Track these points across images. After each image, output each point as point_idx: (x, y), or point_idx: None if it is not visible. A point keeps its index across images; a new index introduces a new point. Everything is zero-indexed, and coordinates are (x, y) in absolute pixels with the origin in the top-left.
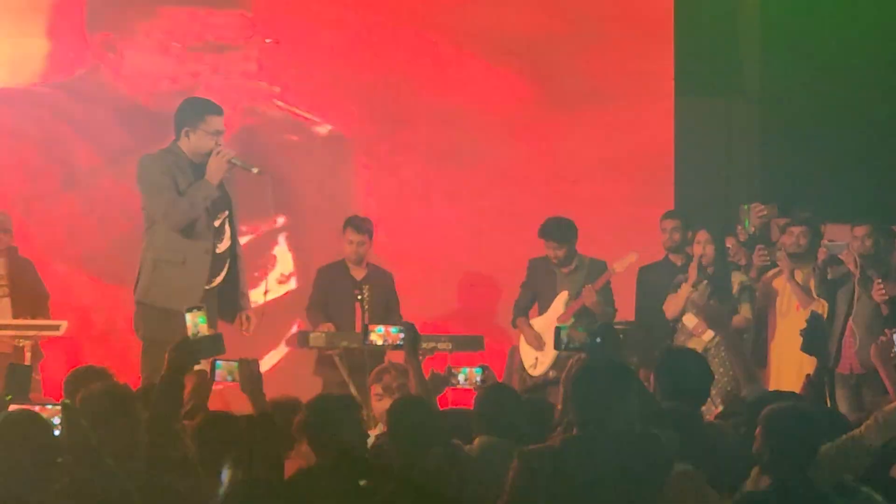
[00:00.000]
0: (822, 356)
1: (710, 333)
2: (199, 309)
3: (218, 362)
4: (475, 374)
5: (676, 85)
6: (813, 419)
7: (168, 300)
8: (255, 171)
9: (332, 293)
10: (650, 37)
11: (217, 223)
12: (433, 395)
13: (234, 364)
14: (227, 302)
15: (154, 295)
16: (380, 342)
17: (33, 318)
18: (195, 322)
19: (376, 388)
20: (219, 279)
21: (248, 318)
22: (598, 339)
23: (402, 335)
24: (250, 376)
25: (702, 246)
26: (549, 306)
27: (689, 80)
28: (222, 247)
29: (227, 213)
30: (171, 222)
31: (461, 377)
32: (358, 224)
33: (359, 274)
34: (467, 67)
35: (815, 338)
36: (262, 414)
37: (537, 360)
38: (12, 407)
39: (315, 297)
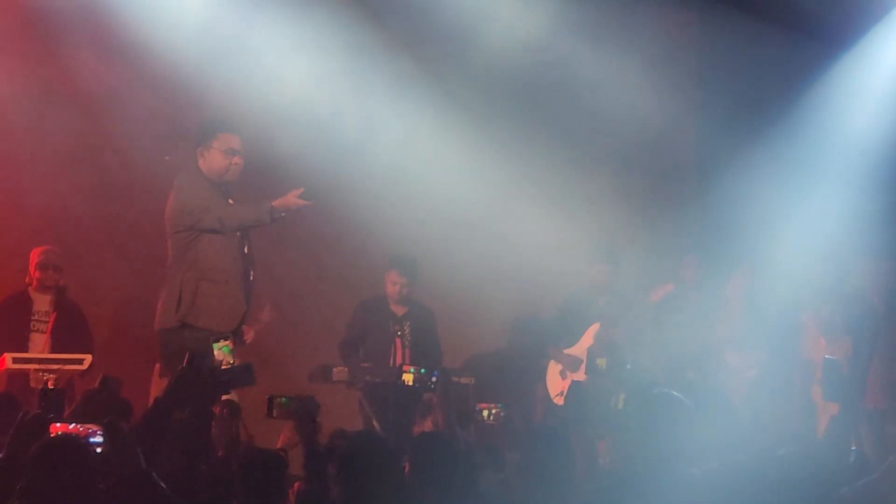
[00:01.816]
0: (844, 399)
1: (753, 371)
2: (225, 339)
3: (273, 398)
4: (498, 409)
5: None
6: None
7: (212, 321)
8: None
9: (371, 328)
10: None
11: (246, 250)
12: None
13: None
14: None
15: (198, 316)
16: (411, 383)
17: None
18: (221, 352)
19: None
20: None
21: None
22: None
23: (434, 378)
24: (301, 413)
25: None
26: (580, 336)
27: None
28: (253, 275)
29: (246, 244)
30: (227, 226)
31: (485, 414)
32: (403, 266)
33: (400, 310)
34: None
35: (833, 383)
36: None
37: (564, 391)
38: (55, 427)
39: (352, 331)
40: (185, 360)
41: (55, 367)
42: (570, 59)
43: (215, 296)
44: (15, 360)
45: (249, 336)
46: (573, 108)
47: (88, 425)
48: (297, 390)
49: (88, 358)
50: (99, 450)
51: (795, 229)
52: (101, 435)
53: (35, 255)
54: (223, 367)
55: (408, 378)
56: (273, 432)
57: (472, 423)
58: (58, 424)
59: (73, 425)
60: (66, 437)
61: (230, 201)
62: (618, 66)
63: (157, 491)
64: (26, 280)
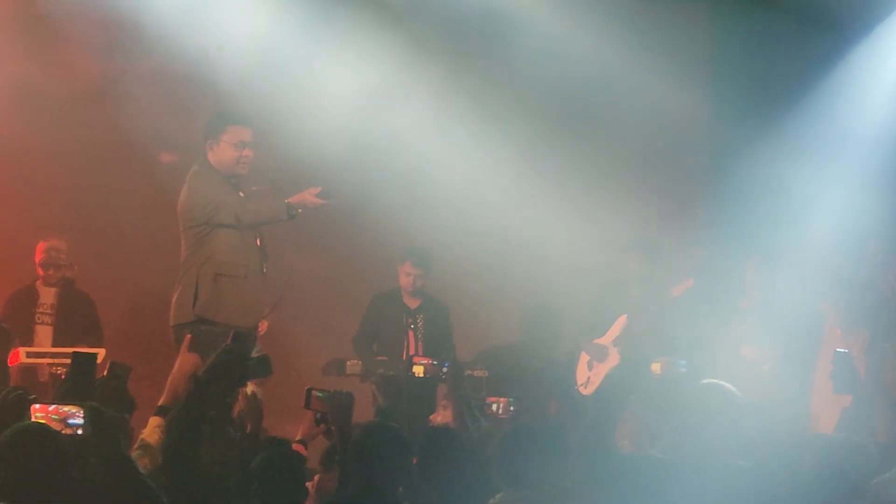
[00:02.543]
0: (856, 392)
1: (769, 364)
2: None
3: (311, 390)
4: (508, 403)
5: None
6: None
7: (231, 316)
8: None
9: (385, 321)
10: None
11: (258, 242)
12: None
13: (326, 394)
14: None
15: (216, 311)
16: (421, 374)
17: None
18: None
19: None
20: None
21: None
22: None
23: (445, 369)
24: (340, 408)
25: None
26: (608, 327)
27: None
28: (266, 268)
29: (258, 239)
30: (244, 220)
31: (494, 407)
32: (417, 257)
33: (413, 303)
34: None
35: (844, 377)
36: None
37: (589, 380)
38: (35, 408)
39: (365, 325)
40: (230, 338)
41: (68, 360)
42: (583, 52)
43: (234, 291)
44: (28, 355)
45: (263, 328)
46: (587, 101)
47: (69, 407)
48: (310, 383)
49: (102, 352)
50: (80, 432)
51: (810, 220)
52: (82, 417)
53: (39, 252)
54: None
55: (418, 370)
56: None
57: (483, 416)
58: (37, 406)
59: (52, 407)
60: (35, 426)
61: (241, 194)
62: (630, 59)
63: (137, 477)
64: (35, 272)
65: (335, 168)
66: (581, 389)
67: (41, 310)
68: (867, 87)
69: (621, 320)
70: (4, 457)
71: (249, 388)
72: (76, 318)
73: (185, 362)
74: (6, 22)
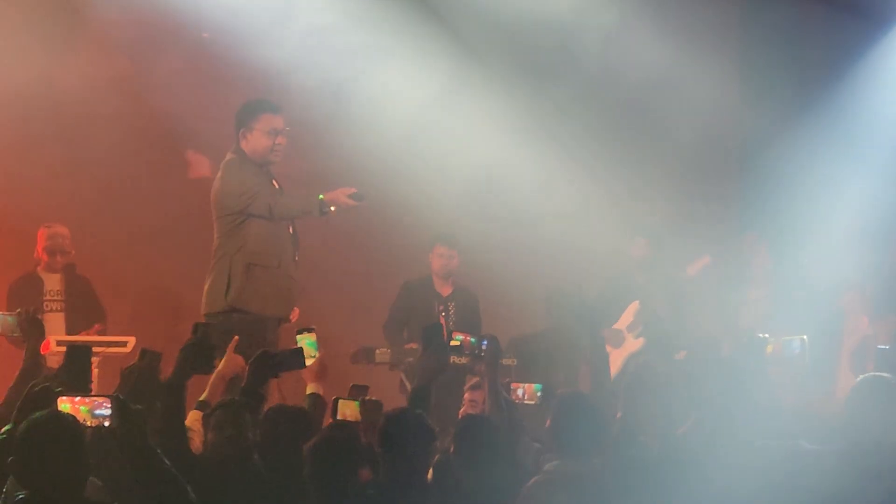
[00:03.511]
0: None
1: None
2: (309, 331)
3: (339, 400)
4: (535, 389)
5: None
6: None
7: (264, 306)
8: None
9: (416, 308)
10: None
11: (291, 230)
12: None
13: (356, 403)
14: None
15: (248, 300)
16: (458, 345)
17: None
18: (304, 343)
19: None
20: None
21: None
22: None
23: (484, 346)
24: (371, 414)
25: None
26: (620, 315)
27: None
28: (297, 256)
29: (293, 224)
30: (276, 213)
31: (520, 392)
32: (448, 238)
33: (445, 290)
34: None
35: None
36: None
37: None
38: (62, 399)
39: (396, 312)
40: (192, 330)
41: (100, 349)
42: (610, 37)
43: (267, 281)
44: (59, 343)
45: (295, 315)
46: (613, 87)
47: (95, 398)
48: (340, 371)
49: (132, 340)
50: (106, 423)
51: (838, 206)
52: (108, 408)
53: (43, 238)
54: (273, 352)
55: (456, 343)
56: None
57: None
58: (64, 397)
59: (79, 398)
60: (54, 415)
61: (275, 183)
62: (659, 44)
63: (162, 467)
64: (35, 258)
65: (364, 160)
66: None
67: (49, 297)
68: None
69: (633, 306)
70: (24, 445)
71: (310, 388)
72: (83, 304)
73: (229, 363)
74: (28, 12)
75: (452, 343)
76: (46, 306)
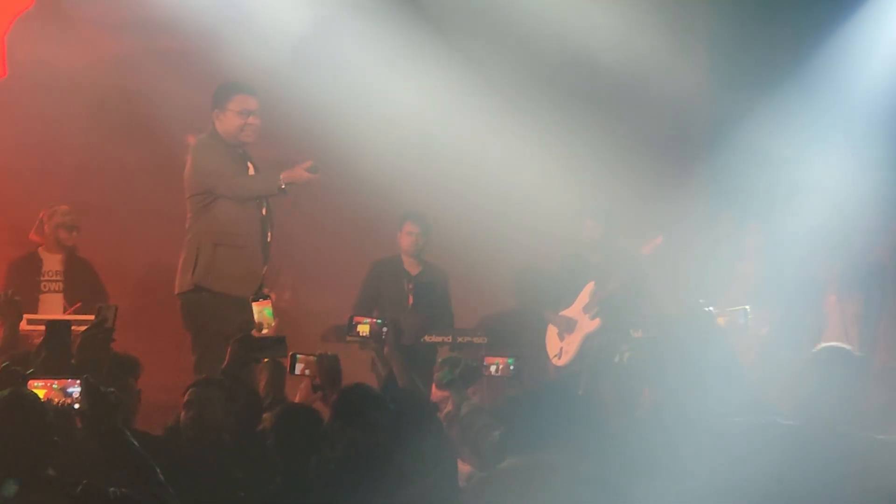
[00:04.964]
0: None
1: (766, 328)
2: (265, 299)
3: (297, 355)
4: (508, 364)
5: None
6: None
7: (229, 286)
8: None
9: (384, 287)
10: None
11: (264, 212)
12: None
13: (313, 358)
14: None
15: (213, 280)
16: (367, 334)
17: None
18: (261, 313)
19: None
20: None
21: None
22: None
23: (385, 330)
24: (329, 370)
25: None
26: (576, 296)
27: None
28: (270, 236)
29: (264, 207)
30: (237, 194)
31: (493, 368)
32: (417, 217)
33: (414, 269)
34: None
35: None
36: None
37: (562, 350)
38: (32, 383)
39: (366, 291)
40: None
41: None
42: (581, 22)
43: (233, 261)
44: (30, 321)
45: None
46: (583, 69)
47: (66, 380)
48: (310, 350)
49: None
50: (76, 406)
51: (807, 185)
52: (79, 387)
53: (45, 216)
54: (257, 337)
55: (363, 329)
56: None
57: (482, 378)
58: (36, 381)
59: (51, 379)
60: (16, 393)
61: (250, 164)
62: (628, 27)
63: (130, 448)
64: (35, 239)
65: (331, 137)
66: (555, 361)
67: (46, 277)
68: (867, 54)
69: (589, 287)
70: None
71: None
72: (83, 285)
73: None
74: None
75: (360, 328)
76: (44, 286)
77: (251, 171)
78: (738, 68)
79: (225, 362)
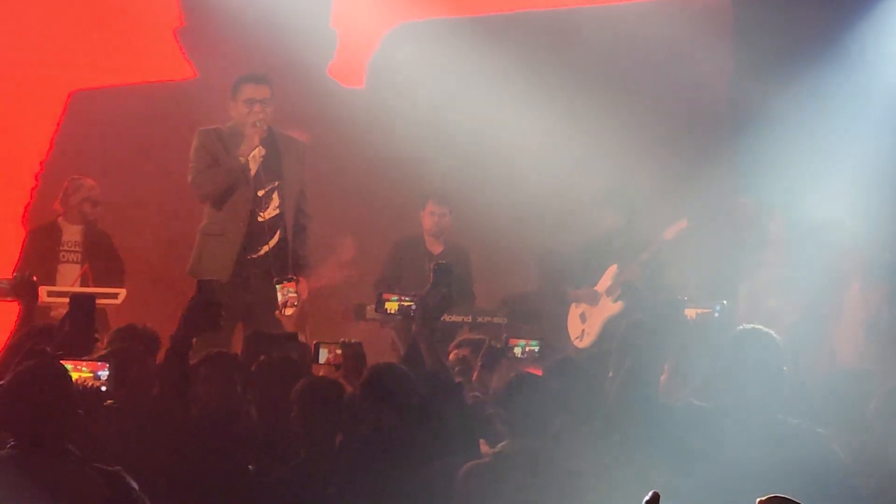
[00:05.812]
0: None
1: (795, 316)
2: (289, 280)
3: (321, 344)
4: (532, 346)
5: None
6: None
7: (210, 272)
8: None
9: (406, 267)
10: None
11: (261, 193)
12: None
13: (337, 346)
14: (279, 268)
15: (199, 268)
16: (394, 311)
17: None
18: (285, 293)
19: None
20: (267, 247)
21: (296, 281)
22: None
23: (413, 307)
24: (353, 357)
25: None
26: (598, 279)
27: None
28: (266, 215)
29: (277, 182)
30: (196, 195)
31: (517, 350)
32: (439, 196)
33: (436, 249)
34: None
35: None
36: None
37: (583, 332)
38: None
39: (387, 270)
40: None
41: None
42: (604, 6)
43: (211, 247)
44: (50, 294)
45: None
46: (608, 52)
47: (96, 362)
48: (331, 328)
49: (123, 292)
50: (104, 388)
51: (832, 174)
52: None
53: (68, 186)
54: (269, 334)
55: (391, 306)
56: None
57: (505, 359)
58: (67, 361)
59: (77, 362)
60: (42, 362)
61: (258, 148)
62: (652, 9)
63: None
64: (56, 208)
65: (355, 116)
66: (577, 342)
67: (66, 247)
68: (892, 39)
69: (611, 269)
70: (10, 392)
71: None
72: (102, 258)
73: None
74: None
75: (388, 304)
76: (63, 256)
77: (256, 154)
78: (763, 52)
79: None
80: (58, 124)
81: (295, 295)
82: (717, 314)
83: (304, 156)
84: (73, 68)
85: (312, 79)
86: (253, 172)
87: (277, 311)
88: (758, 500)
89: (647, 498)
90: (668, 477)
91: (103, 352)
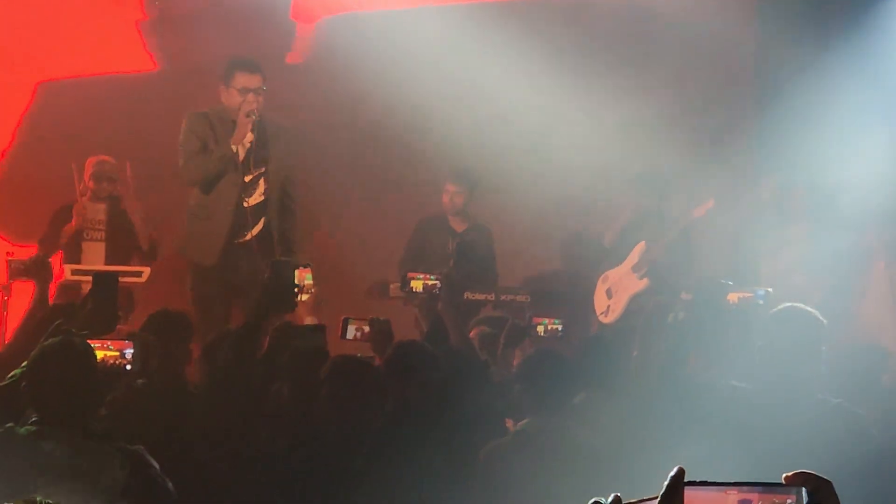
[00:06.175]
0: None
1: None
2: (305, 266)
3: (349, 320)
4: (555, 324)
5: None
6: None
7: (197, 255)
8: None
9: (429, 245)
10: None
11: (248, 178)
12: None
13: (365, 323)
14: (265, 253)
15: (187, 249)
16: (420, 289)
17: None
18: (303, 278)
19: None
20: (254, 231)
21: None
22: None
23: (438, 285)
24: (380, 334)
25: None
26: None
27: None
28: (252, 201)
29: (263, 168)
30: (185, 179)
31: (540, 328)
32: (458, 175)
33: (460, 227)
34: None
35: None
36: None
37: (609, 308)
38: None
39: (411, 248)
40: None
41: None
42: None
43: (199, 230)
44: (74, 272)
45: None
46: (634, 26)
47: (121, 341)
48: (353, 306)
49: (147, 270)
50: (128, 367)
51: (860, 148)
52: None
53: (90, 165)
54: (295, 325)
55: (416, 285)
56: None
57: (528, 338)
58: (93, 344)
59: (103, 341)
60: (67, 340)
61: (249, 134)
62: None
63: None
64: (80, 188)
65: (378, 94)
66: (601, 318)
67: (88, 225)
68: None
69: (639, 247)
70: (35, 369)
71: (308, 320)
72: (125, 235)
73: None
74: None
75: (413, 283)
76: (87, 234)
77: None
78: (790, 26)
79: (263, 350)
80: (22, 115)
81: (311, 282)
82: (760, 301)
83: (291, 142)
84: (40, 60)
85: (331, 59)
86: (241, 158)
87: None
88: (784, 475)
89: (672, 473)
90: (698, 455)
91: (127, 331)
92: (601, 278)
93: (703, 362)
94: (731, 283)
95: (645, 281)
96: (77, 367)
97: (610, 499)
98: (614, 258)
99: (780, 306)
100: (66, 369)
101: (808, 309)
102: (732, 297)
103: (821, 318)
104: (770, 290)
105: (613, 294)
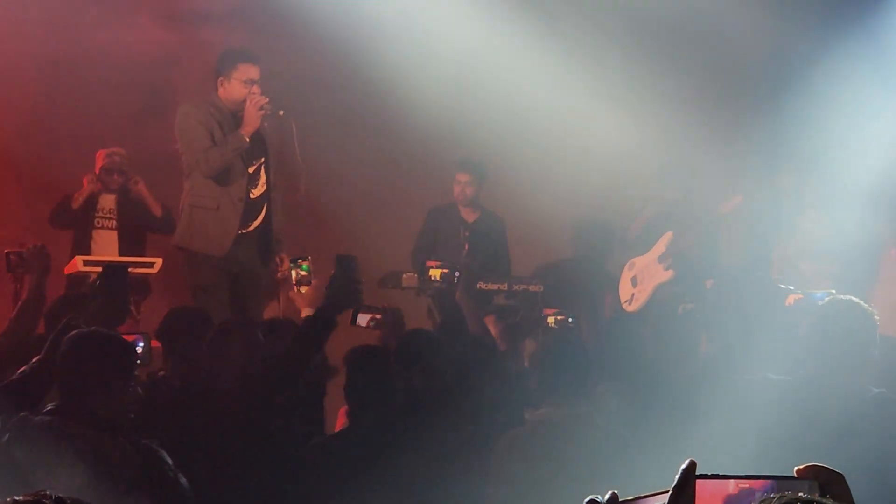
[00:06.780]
0: None
1: (828, 282)
2: (304, 259)
3: (359, 307)
4: (566, 316)
5: None
6: None
7: (204, 246)
8: (280, 113)
9: (441, 234)
10: None
11: (251, 169)
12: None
13: (377, 311)
14: (263, 245)
15: (190, 240)
16: (438, 278)
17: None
18: (299, 271)
19: None
20: (256, 223)
21: (280, 259)
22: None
23: (457, 275)
24: (392, 324)
25: None
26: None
27: None
28: (256, 192)
29: (262, 159)
30: (202, 171)
31: (550, 320)
32: (467, 165)
33: (470, 217)
34: None
35: None
36: None
37: (633, 297)
38: None
39: (422, 239)
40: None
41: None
42: None
43: (205, 221)
44: (86, 263)
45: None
46: (648, 15)
47: (132, 334)
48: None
49: (159, 261)
50: (138, 361)
51: (870, 137)
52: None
53: (100, 158)
54: (304, 317)
55: (434, 273)
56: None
57: (540, 328)
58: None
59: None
60: (97, 330)
61: (242, 133)
62: None
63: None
64: (90, 179)
65: (390, 82)
66: (626, 306)
67: (101, 214)
68: None
69: (667, 237)
70: (68, 356)
71: (305, 312)
72: (135, 225)
73: None
74: None
75: (431, 272)
76: (98, 223)
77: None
78: (805, 15)
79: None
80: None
81: (309, 273)
82: (820, 302)
83: (291, 131)
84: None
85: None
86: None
87: (292, 291)
88: (795, 468)
89: (683, 466)
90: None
91: (140, 324)
92: (627, 265)
93: (714, 350)
94: (791, 287)
95: (670, 272)
96: (118, 362)
97: (607, 496)
98: (637, 248)
99: (831, 298)
100: (106, 363)
101: (859, 301)
102: (790, 299)
103: (871, 308)
104: (833, 291)
105: (639, 282)
